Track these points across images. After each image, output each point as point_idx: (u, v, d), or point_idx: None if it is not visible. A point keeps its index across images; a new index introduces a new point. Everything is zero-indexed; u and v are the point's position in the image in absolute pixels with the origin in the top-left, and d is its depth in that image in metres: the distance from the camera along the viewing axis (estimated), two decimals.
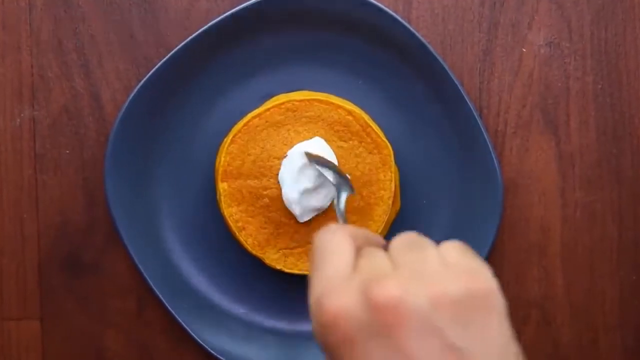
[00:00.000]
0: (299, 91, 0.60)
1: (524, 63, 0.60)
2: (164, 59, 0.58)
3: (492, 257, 0.61)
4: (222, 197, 0.57)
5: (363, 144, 0.57)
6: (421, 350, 0.33)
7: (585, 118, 0.61)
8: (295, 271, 0.57)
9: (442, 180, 0.60)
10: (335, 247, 0.37)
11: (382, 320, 0.33)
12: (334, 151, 0.56)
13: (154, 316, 0.61)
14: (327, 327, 0.34)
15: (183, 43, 0.58)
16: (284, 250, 0.57)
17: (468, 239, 0.59)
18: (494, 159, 0.58)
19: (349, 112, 0.57)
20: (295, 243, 0.57)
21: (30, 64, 0.60)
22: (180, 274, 0.61)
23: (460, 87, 0.58)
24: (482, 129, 0.58)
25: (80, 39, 0.60)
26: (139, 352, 0.61)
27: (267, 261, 0.57)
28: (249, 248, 0.57)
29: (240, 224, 0.57)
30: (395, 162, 0.58)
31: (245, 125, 0.57)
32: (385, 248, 0.38)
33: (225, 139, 0.58)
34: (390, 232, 0.60)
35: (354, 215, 0.57)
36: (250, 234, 0.57)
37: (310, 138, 0.57)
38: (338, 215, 0.50)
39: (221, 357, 0.59)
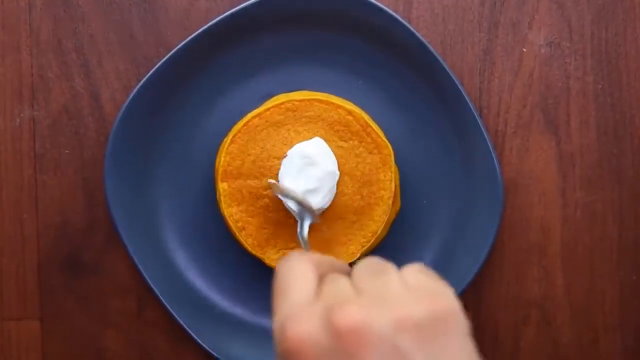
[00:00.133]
0: (299, 91, 0.60)
1: (524, 63, 0.60)
2: (164, 59, 0.58)
3: (492, 257, 0.61)
4: (222, 197, 0.57)
5: (363, 143, 0.57)
6: None
7: (586, 118, 0.60)
8: None
9: (442, 180, 0.60)
10: (298, 274, 0.37)
11: (345, 346, 0.33)
12: (333, 151, 0.56)
13: (153, 316, 0.61)
14: (290, 353, 0.34)
15: (183, 43, 0.58)
16: (284, 251, 0.57)
17: (468, 239, 0.59)
18: (494, 159, 0.58)
19: (349, 112, 0.57)
20: (295, 243, 0.57)
21: (30, 64, 0.60)
22: (180, 274, 0.61)
23: (460, 87, 0.58)
24: (482, 128, 0.58)
25: (80, 39, 0.60)
26: (139, 352, 0.61)
27: (267, 261, 0.57)
28: (249, 248, 0.57)
29: (240, 224, 0.57)
30: (395, 162, 0.58)
31: (245, 125, 0.57)
32: (349, 275, 0.38)
33: (225, 139, 0.58)
34: (390, 232, 0.60)
35: (354, 215, 0.57)
36: (250, 234, 0.57)
37: (310, 138, 0.57)
38: (301, 243, 0.51)
39: (221, 358, 0.59)
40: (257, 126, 0.57)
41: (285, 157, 0.56)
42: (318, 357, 0.34)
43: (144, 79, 0.58)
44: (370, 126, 0.57)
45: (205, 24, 0.58)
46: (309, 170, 0.55)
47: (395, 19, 0.57)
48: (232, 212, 0.57)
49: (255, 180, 0.57)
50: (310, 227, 0.57)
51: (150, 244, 0.60)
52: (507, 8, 0.60)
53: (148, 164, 0.60)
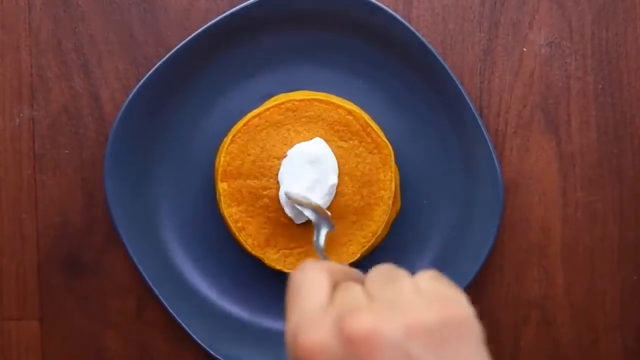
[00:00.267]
0: (298, 91, 0.60)
1: (524, 63, 0.60)
2: (164, 59, 0.58)
3: (492, 257, 0.61)
4: (221, 197, 0.57)
5: (363, 143, 0.57)
6: None
7: (586, 118, 0.60)
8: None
9: (443, 180, 0.60)
10: (311, 282, 0.37)
11: (357, 353, 0.33)
12: (334, 151, 0.56)
13: (153, 316, 0.61)
14: None
15: (182, 43, 0.58)
16: (283, 251, 0.57)
17: (468, 239, 0.59)
18: (495, 159, 0.58)
19: (349, 112, 0.57)
20: (295, 243, 0.57)
21: (30, 64, 0.60)
22: (180, 274, 0.61)
23: (460, 87, 0.58)
24: (482, 128, 0.58)
25: (80, 39, 0.60)
26: (139, 352, 0.61)
27: (267, 261, 0.57)
28: (249, 248, 0.57)
29: (240, 224, 0.57)
30: (396, 162, 0.58)
31: (245, 125, 0.57)
32: (363, 282, 0.38)
33: (225, 139, 0.58)
34: (390, 232, 0.59)
35: (354, 215, 0.57)
36: (250, 234, 0.57)
37: (311, 138, 0.57)
38: (317, 252, 0.51)
39: (220, 357, 0.59)
40: (257, 126, 0.57)
41: (285, 157, 0.56)
42: None
43: (144, 78, 0.58)
44: (370, 126, 0.57)
45: (205, 24, 0.58)
46: (309, 170, 0.55)
47: (395, 19, 0.57)
48: (232, 212, 0.57)
49: (255, 180, 0.57)
50: (311, 226, 0.57)
51: (150, 244, 0.60)
52: (508, 8, 0.60)
53: (148, 164, 0.60)
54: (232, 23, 0.58)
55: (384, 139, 0.57)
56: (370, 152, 0.57)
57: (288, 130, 0.57)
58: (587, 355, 0.61)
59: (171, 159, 0.60)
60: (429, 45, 0.58)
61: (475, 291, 0.61)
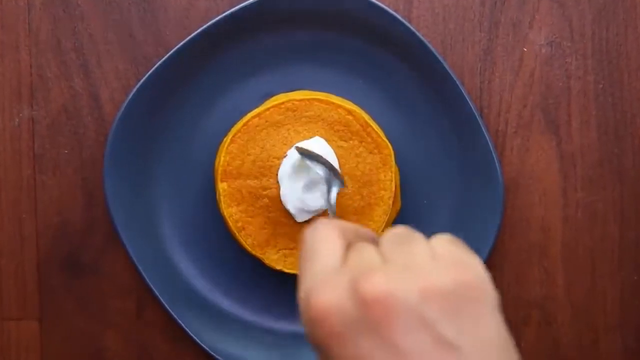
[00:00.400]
0: (298, 91, 0.59)
1: (524, 62, 0.60)
2: (163, 59, 0.58)
3: (492, 257, 0.61)
4: (221, 197, 0.57)
5: (363, 143, 0.57)
6: (411, 344, 0.32)
7: (587, 118, 0.60)
8: (296, 271, 0.57)
9: (443, 180, 0.60)
10: (325, 241, 0.36)
11: (371, 315, 0.33)
12: (334, 151, 0.56)
13: (153, 316, 0.61)
14: (315, 322, 0.34)
15: (182, 42, 0.57)
16: (283, 251, 0.57)
17: (469, 239, 0.59)
18: (495, 159, 0.58)
19: (349, 112, 0.57)
20: (295, 243, 0.57)
21: (29, 64, 0.60)
22: (180, 274, 0.60)
23: (460, 87, 0.58)
24: (482, 128, 0.58)
25: (79, 39, 0.60)
26: (139, 353, 0.61)
27: (267, 261, 0.57)
28: (249, 248, 0.57)
29: (240, 224, 0.57)
30: (396, 162, 0.58)
31: (244, 125, 0.57)
32: (376, 243, 0.37)
33: (224, 139, 0.58)
34: None
35: (354, 215, 0.57)
36: (250, 234, 0.57)
37: (310, 138, 0.56)
38: (329, 209, 0.50)
39: (220, 358, 0.59)
40: (257, 126, 0.57)
41: (285, 156, 0.56)
42: (344, 326, 0.33)
43: (144, 78, 0.58)
44: (371, 126, 0.57)
45: (205, 24, 0.58)
46: (305, 169, 0.55)
47: (396, 19, 0.57)
48: (232, 212, 0.57)
49: (255, 180, 0.57)
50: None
51: (150, 244, 0.60)
52: (508, 7, 0.60)
53: (147, 163, 0.60)
54: (232, 23, 0.58)
55: (384, 138, 0.57)
56: (370, 152, 0.57)
57: (288, 130, 0.57)
58: (587, 355, 0.61)
59: (171, 159, 0.60)
60: (429, 45, 0.57)
61: None
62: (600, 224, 0.61)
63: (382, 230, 0.58)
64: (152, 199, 0.60)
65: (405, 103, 0.60)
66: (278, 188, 0.56)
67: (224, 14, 0.57)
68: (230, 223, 0.57)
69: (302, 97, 0.57)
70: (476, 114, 0.58)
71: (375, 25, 0.58)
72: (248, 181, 0.57)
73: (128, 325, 0.61)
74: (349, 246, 0.37)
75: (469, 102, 0.58)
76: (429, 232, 0.60)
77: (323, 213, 0.56)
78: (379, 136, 0.57)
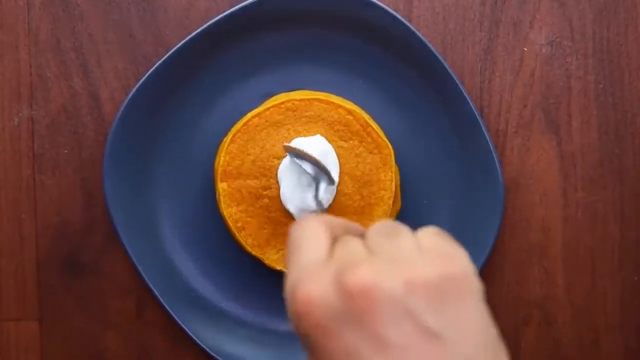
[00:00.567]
0: (299, 90, 0.59)
1: (525, 62, 0.60)
2: (163, 58, 0.57)
3: (493, 258, 0.61)
4: (221, 197, 0.56)
5: (363, 143, 0.57)
6: (396, 335, 0.32)
7: (587, 118, 0.60)
8: None
9: (443, 180, 0.60)
10: (310, 236, 0.36)
11: (356, 307, 0.33)
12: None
13: (153, 316, 0.61)
14: (300, 315, 0.34)
15: (182, 42, 0.57)
16: (283, 251, 0.57)
17: (469, 239, 0.59)
18: (495, 159, 0.58)
19: (349, 112, 0.57)
20: None
21: (29, 64, 0.60)
22: (180, 274, 0.60)
23: (461, 87, 0.58)
24: (483, 128, 0.58)
25: (79, 38, 0.60)
26: (138, 353, 0.61)
27: (267, 262, 0.57)
28: (249, 248, 0.57)
29: (239, 224, 0.57)
30: (396, 162, 0.58)
31: (244, 124, 0.57)
32: (363, 236, 0.37)
33: (224, 139, 0.58)
34: None
35: (354, 215, 0.57)
36: (250, 234, 0.57)
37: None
38: (317, 205, 0.51)
39: (220, 358, 0.59)
40: (256, 126, 0.57)
41: (285, 156, 0.56)
42: (328, 318, 0.33)
43: (143, 78, 0.58)
44: (371, 126, 0.56)
45: (205, 23, 0.58)
46: (307, 165, 0.55)
47: (396, 18, 0.57)
48: (232, 212, 0.57)
49: (255, 180, 0.56)
50: None
51: (150, 244, 0.60)
52: (508, 7, 0.60)
53: (147, 163, 0.60)
54: (232, 22, 0.58)
55: (384, 138, 0.57)
56: (370, 152, 0.57)
57: (288, 130, 0.57)
58: (587, 355, 0.61)
59: (171, 159, 0.60)
60: (430, 45, 0.57)
61: None
62: (600, 224, 0.61)
63: None
64: (152, 199, 0.60)
65: (405, 103, 0.60)
66: (278, 188, 0.56)
67: (224, 14, 0.57)
68: (230, 223, 0.57)
69: (302, 97, 0.57)
70: (476, 113, 0.58)
71: (375, 25, 0.58)
72: (248, 181, 0.56)
73: (128, 325, 0.61)
74: (335, 240, 0.37)
75: (469, 101, 0.58)
76: None
77: (322, 213, 0.56)
78: (379, 136, 0.56)
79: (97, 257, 0.61)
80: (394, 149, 0.58)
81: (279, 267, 0.57)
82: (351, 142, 0.57)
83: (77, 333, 0.61)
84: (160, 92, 0.59)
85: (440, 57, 0.57)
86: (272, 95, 0.60)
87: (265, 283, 0.61)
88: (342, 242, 0.37)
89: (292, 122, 0.57)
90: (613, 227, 0.61)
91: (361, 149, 0.57)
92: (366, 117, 0.57)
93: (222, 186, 0.56)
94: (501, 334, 0.62)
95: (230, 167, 0.56)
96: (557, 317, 0.61)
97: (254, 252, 0.57)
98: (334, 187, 0.56)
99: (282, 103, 0.57)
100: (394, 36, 0.58)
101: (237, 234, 0.57)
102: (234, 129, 0.57)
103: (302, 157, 0.53)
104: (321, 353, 0.33)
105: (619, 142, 0.60)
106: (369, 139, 0.57)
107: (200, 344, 0.59)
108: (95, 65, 0.60)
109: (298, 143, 0.55)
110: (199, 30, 0.57)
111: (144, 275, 0.59)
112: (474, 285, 0.34)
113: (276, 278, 0.60)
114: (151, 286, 0.59)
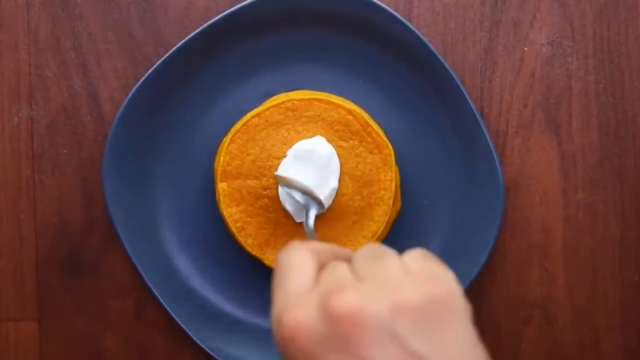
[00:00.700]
0: (299, 90, 0.59)
1: (525, 62, 0.60)
2: (163, 58, 0.57)
3: (493, 258, 0.60)
4: (221, 197, 0.56)
5: (363, 143, 0.57)
6: (381, 358, 0.32)
7: (588, 118, 0.60)
8: None
9: (443, 180, 0.60)
10: (297, 263, 0.37)
11: (341, 331, 0.33)
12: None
13: (153, 317, 0.61)
14: (286, 340, 0.34)
15: (182, 42, 0.57)
16: None
17: (469, 239, 0.59)
18: (495, 159, 0.58)
19: (349, 112, 0.56)
20: None
21: (28, 63, 0.60)
22: (180, 274, 0.60)
23: (461, 86, 0.58)
24: (483, 128, 0.58)
25: (79, 38, 0.60)
26: (138, 353, 0.61)
27: (267, 262, 0.57)
28: (249, 248, 0.57)
29: (239, 224, 0.57)
30: (396, 162, 0.58)
31: (244, 124, 0.57)
32: (351, 261, 0.38)
33: (224, 139, 0.58)
34: (391, 233, 0.59)
35: (354, 215, 0.57)
36: (249, 234, 0.57)
37: (310, 138, 0.56)
38: (307, 233, 0.51)
39: (220, 358, 0.59)
40: (256, 126, 0.57)
41: (285, 156, 0.56)
42: (314, 344, 0.33)
43: (143, 78, 0.57)
44: (371, 126, 0.56)
45: (205, 23, 0.58)
46: (308, 166, 0.55)
47: (396, 18, 0.57)
48: (232, 212, 0.56)
49: (255, 180, 0.56)
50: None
51: (150, 244, 0.60)
52: (509, 7, 0.60)
53: (147, 163, 0.60)
54: (232, 22, 0.58)
55: (384, 138, 0.57)
56: (370, 152, 0.57)
57: (288, 130, 0.57)
58: (588, 355, 0.61)
59: (171, 159, 0.60)
60: (430, 45, 0.57)
61: (476, 292, 0.61)
62: (601, 225, 0.61)
63: (382, 231, 0.58)
64: (151, 199, 0.60)
65: (405, 103, 0.60)
66: (278, 188, 0.56)
67: (223, 14, 0.57)
68: (230, 223, 0.56)
69: (302, 96, 0.57)
70: (477, 113, 0.58)
71: (375, 25, 0.58)
72: (248, 181, 0.56)
73: (128, 326, 0.61)
74: (322, 267, 0.37)
75: (470, 101, 0.58)
76: (429, 232, 0.60)
77: (322, 213, 0.56)
78: (379, 136, 0.56)
79: (97, 257, 0.61)
80: (394, 149, 0.58)
81: None
82: (351, 142, 0.57)
83: (76, 333, 0.61)
84: (160, 92, 0.59)
85: (440, 57, 0.57)
86: (272, 95, 0.59)
87: (265, 283, 0.61)
88: (328, 268, 0.37)
89: (292, 122, 0.57)
90: (614, 228, 0.61)
91: (361, 148, 0.57)
92: (366, 117, 0.57)
93: (221, 186, 0.56)
94: (502, 335, 0.62)
95: (230, 167, 0.56)
96: (558, 318, 0.61)
97: (253, 252, 0.57)
98: (334, 192, 0.56)
99: (282, 103, 0.57)
100: (394, 36, 0.58)
101: (237, 234, 0.57)
102: (233, 129, 0.57)
103: (292, 187, 0.53)
104: None
105: (620, 142, 0.60)
106: (369, 139, 0.56)
107: (200, 344, 0.59)
108: (95, 65, 0.60)
109: (301, 145, 0.55)
110: (198, 30, 0.57)
111: (143, 275, 0.59)
112: (461, 307, 0.35)
113: None
114: (151, 286, 0.59)
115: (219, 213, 0.58)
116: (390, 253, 0.37)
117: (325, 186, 0.55)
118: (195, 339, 0.59)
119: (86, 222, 0.61)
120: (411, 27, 0.57)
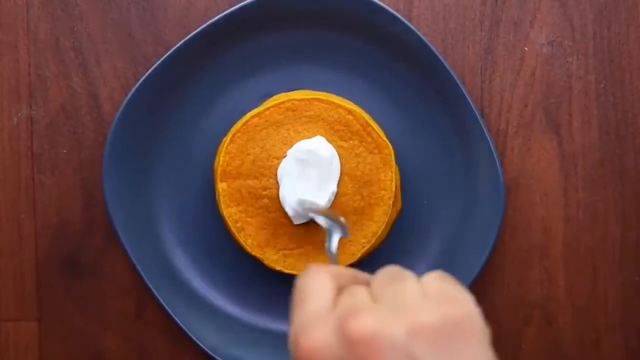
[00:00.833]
0: (299, 90, 0.59)
1: (525, 62, 0.60)
2: (163, 58, 0.57)
3: (493, 258, 0.60)
4: (221, 197, 0.56)
5: (363, 143, 0.56)
6: None
7: (588, 117, 0.60)
8: (295, 272, 0.57)
9: (443, 180, 0.60)
10: (316, 285, 0.37)
11: (358, 354, 0.33)
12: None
13: (153, 317, 0.61)
14: None
15: (182, 42, 0.57)
16: (283, 251, 0.57)
17: (469, 239, 0.59)
18: (496, 159, 0.58)
19: (349, 112, 0.56)
20: (294, 244, 0.57)
21: (28, 63, 0.60)
22: (179, 274, 0.60)
23: (461, 86, 0.58)
24: (483, 128, 0.58)
25: (78, 38, 0.60)
26: (138, 353, 0.61)
27: (267, 262, 0.57)
28: (249, 249, 0.57)
29: (239, 225, 0.57)
30: (396, 162, 0.58)
31: (244, 124, 0.56)
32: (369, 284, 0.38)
33: (224, 139, 0.58)
34: (391, 233, 0.59)
35: (354, 215, 0.56)
36: (249, 234, 0.57)
37: (310, 137, 0.56)
38: (330, 257, 0.51)
39: (220, 358, 0.59)
40: (256, 126, 0.56)
41: (285, 156, 0.56)
42: None
43: (143, 78, 0.57)
44: (371, 126, 0.56)
45: (204, 23, 0.57)
46: (309, 168, 0.55)
47: (396, 18, 0.57)
48: (232, 213, 0.56)
49: (255, 180, 0.56)
50: (310, 227, 0.57)
51: (149, 244, 0.60)
52: (509, 6, 0.60)
53: (147, 163, 0.60)
54: (232, 22, 0.58)
55: (385, 138, 0.57)
56: (370, 152, 0.56)
57: (288, 130, 0.57)
58: (588, 355, 0.61)
59: (171, 159, 0.60)
60: (430, 45, 0.57)
61: (476, 292, 0.60)
62: (601, 224, 0.61)
63: (383, 231, 0.58)
64: (151, 199, 0.60)
65: (405, 103, 0.60)
66: (277, 188, 0.56)
67: (223, 14, 0.57)
68: (230, 223, 0.56)
69: (302, 96, 0.57)
70: (477, 113, 0.58)
71: (375, 24, 0.58)
72: (248, 181, 0.56)
73: (128, 326, 0.61)
74: (341, 290, 0.37)
75: (470, 101, 0.58)
76: (429, 232, 0.60)
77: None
78: (379, 136, 0.56)
79: (97, 257, 0.61)
80: (394, 149, 0.58)
81: (278, 268, 0.57)
82: (351, 142, 0.57)
83: (76, 333, 0.61)
84: (160, 91, 0.58)
85: (440, 57, 0.57)
86: (272, 95, 0.59)
87: (265, 283, 0.61)
88: (347, 291, 0.37)
89: (292, 122, 0.57)
90: (614, 227, 0.61)
91: (361, 148, 0.57)
92: (366, 117, 0.57)
93: (221, 186, 0.56)
94: (502, 335, 0.62)
95: (230, 167, 0.56)
96: (558, 318, 0.61)
97: (253, 253, 0.57)
98: (333, 196, 0.56)
99: (282, 103, 0.56)
100: (395, 36, 0.58)
101: (236, 234, 0.57)
102: (233, 129, 0.57)
103: (316, 211, 0.53)
104: None
105: (620, 142, 0.60)
106: (369, 139, 0.56)
107: (200, 344, 0.59)
108: (95, 65, 0.60)
109: (301, 145, 0.55)
110: (198, 29, 0.57)
111: (143, 275, 0.59)
112: (479, 328, 0.34)
113: (276, 278, 0.60)
114: (151, 286, 0.59)
115: (219, 213, 0.58)
116: (408, 275, 0.37)
117: (326, 190, 0.55)
118: (195, 339, 0.59)
119: (86, 222, 0.61)
120: (411, 27, 0.57)
